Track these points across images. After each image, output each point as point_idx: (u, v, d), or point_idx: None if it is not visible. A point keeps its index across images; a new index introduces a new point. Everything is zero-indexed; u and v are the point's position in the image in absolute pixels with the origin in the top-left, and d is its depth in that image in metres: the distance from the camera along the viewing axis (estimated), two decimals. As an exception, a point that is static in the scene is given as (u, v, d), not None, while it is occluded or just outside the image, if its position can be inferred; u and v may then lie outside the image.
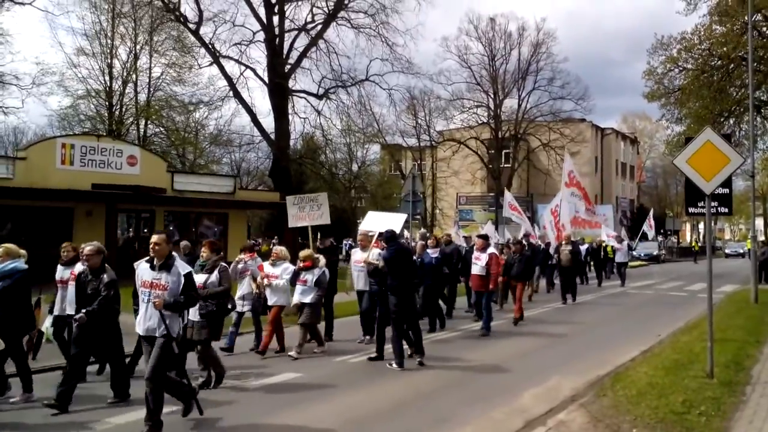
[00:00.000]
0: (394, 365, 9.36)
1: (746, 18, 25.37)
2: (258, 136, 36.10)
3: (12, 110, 34.96)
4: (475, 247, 13.62)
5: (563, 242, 19.62)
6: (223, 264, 8.51)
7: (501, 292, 16.36)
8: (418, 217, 26.37)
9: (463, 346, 11.42)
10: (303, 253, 10.62)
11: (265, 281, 10.31)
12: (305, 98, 34.92)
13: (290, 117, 34.03)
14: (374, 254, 10.59)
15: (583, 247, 25.50)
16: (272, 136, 33.48)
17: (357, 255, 11.71)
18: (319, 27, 33.48)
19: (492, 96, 51.37)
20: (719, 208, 9.76)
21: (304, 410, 7.15)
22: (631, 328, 13.68)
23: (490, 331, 12.51)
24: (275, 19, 32.81)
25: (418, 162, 53.47)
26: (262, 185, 48.25)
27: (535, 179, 51.76)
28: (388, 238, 10.09)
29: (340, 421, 6.73)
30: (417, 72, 42.44)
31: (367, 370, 9.41)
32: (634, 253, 38.12)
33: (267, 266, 10.51)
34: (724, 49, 28.59)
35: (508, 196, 24.44)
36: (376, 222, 12.74)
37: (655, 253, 45.09)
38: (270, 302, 10.33)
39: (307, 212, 14.26)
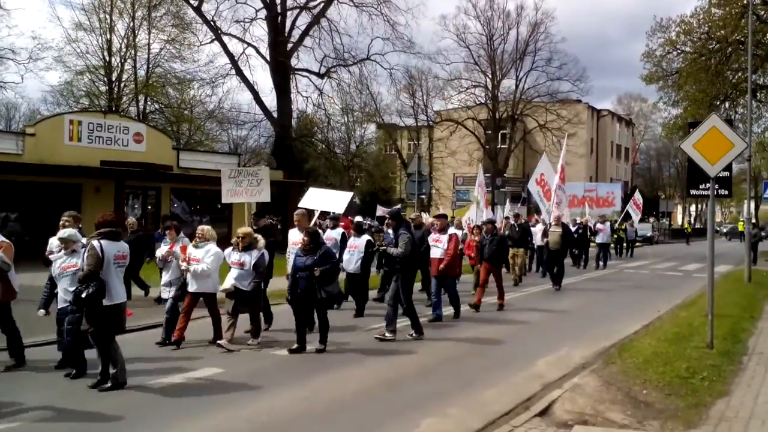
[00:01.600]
0: (414, 334, 9.86)
1: (745, 1, 25.83)
2: (260, 114, 36.45)
3: (11, 85, 35.16)
4: (434, 228, 12.27)
5: (552, 223, 18.55)
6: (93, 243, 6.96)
7: (475, 277, 15.09)
8: (423, 196, 26.69)
9: (461, 326, 11.31)
10: (241, 230, 9.51)
11: (183, 265, 8.96)
12: (308, 77, 35.29)
13: (293, 95, 34.41)
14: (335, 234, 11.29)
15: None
16: (274, 115, 33.88)
17: (294, 236, 10.69)
18: (322, 5, 33.77)
19: (489, 76, 51.62)
20: (720, 191, 10.28)
21: (211, 414, 6.21)
22: (632, 305, 14.26)
23: (459, 316, 11.87)
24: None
25: (415, 142, 53.75)
26: (260, 163, 48.66)
27: (532, 160, 52.08)
28: (396, 216, 10.33)
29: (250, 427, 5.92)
30: (418, 52, 42.91)
31: (303, 364, 8.31)
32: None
33: (189, 248, 9.20)
34: (722, 32, 29.00)
35: (480, 177, 22.92)
36: (317, 200, 12.20)
37: (648, 234, 45.90)
38: (190, 289, 9.00)
39: (245, 187, 12.61)
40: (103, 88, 37.71)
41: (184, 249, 9.19)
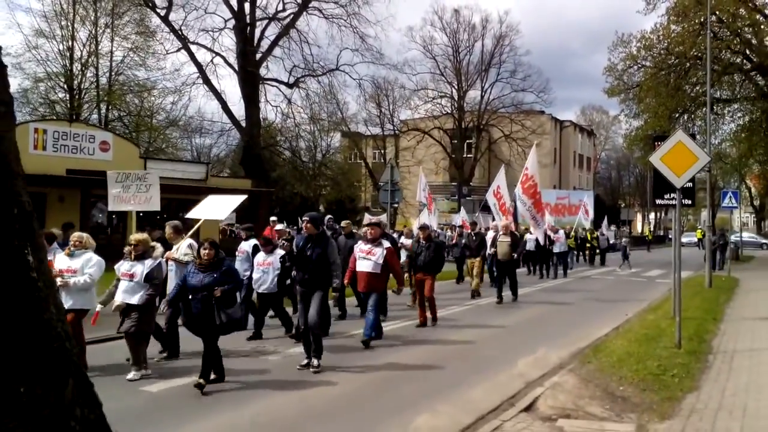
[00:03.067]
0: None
1: (702, 19, 26.88)
2: (227, 122, 36.49)
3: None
4: (363, 237, 11.10)
5: (501, 232, 16.78)
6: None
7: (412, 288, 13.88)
8: (396, 205, 27.00)
9: (438, 332, 11.47)
10: (134, 237, 8.28)
11: (59, 280, 7.44)
12: (277, 86, 35.51)
13: (261, 105, 34.58)
14: (183, 249, 9.23)
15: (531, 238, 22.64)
16: (243, 124, 33.97)
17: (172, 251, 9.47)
18: (291, 16, 34.06)
19: (455, 87, 52.51)
20: (684, 200, 10.85)
21: (210, 416, 6.37)
22: (601, 310, 14.79)
23: (381, 336, 10.43)
24: (246, 6, 33.25)
25: (381, 151, 54.16)
26: (224, 172, 48.54)
27: (497, 169, 52.67)
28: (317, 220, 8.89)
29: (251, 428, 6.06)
30: (387, 63, 43.39)
31: (289, 369, 8.25)
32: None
33: (61, 258, 8.03)
34: (681, 48, 30.09)
35: (423, 181, 22.57)
36: (205, 209, 10.59)
37: (611, 242, 46.92)
38: (66, 305, 7.30)
39: (133, 194, 11.34)
40: (62, 95, 37.30)
41: (51, 263, 7.40)
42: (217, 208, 10.62)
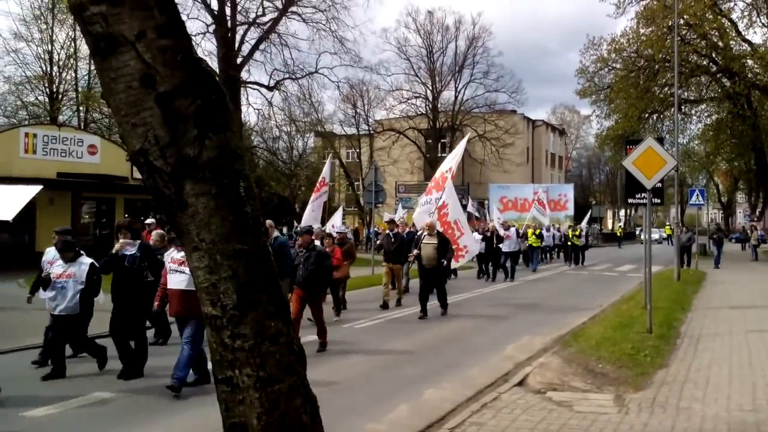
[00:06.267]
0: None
1: (670, 23, 28.12)
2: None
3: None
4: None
5: (425, 232, 13.64)
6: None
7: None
8: (380, 205, 27.77)
9: (409, 329, 11.75)
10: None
11: None
12: (257, 89, 36.18)
13: (243, 107, 35.23)
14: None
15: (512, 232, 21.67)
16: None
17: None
18: (271, 21, 34.73)
19: (430, 87, 53.55)
20: (654, 199, 11.88)
21: (189, 412, 6.63)
22: (576, 302, 15.75)
23: (175, 389, 7.26)
24: (227, 11, 33.86)
25: (356, 150, 54.76)
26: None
27: (471, 168, 54.22)
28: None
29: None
30: (366, 66, 44.16)
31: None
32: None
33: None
34: (650, 50, 31.38)
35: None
36: None
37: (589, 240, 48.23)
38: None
39: None
40: (41, 98, 37.56)
41: None
42: (4, 205, 8.94)
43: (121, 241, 8.05)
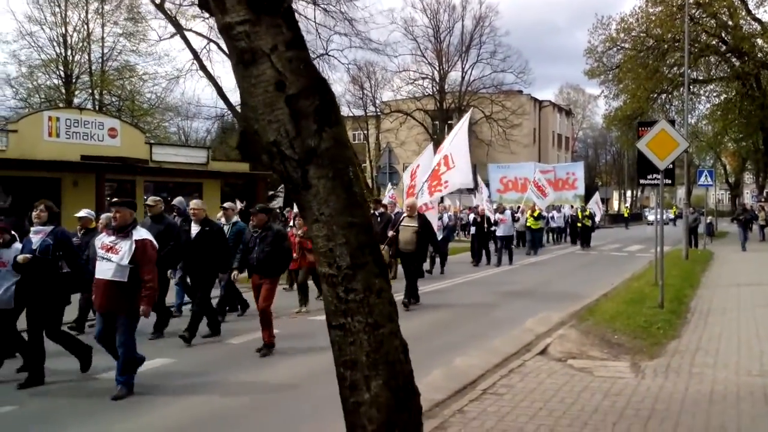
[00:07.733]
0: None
1: (680, 2, 28.33)
2: (223, 108, 37.43)
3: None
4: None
5: (405, 213, 12.66)
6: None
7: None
8: (395, 187, 28.15)
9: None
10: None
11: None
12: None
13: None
14: None
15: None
16: (238, 109, 34.96)
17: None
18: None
19: (437, 68, 53.63)
20: (665, 180, 12.35)
21: (167, 404, 6.38)
22: (589, 280, 16.24)
23: (119, 397, 6.46)
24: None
25: (363, 132, 54.99)
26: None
27: (478, 149, 54.51)
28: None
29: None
30: (377, 48, 44.24)
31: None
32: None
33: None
34: (659, 30, 31.59)
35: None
36: None
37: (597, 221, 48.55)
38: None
39: None
40: (56, 82, 37.98)
41: None
42: None
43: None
